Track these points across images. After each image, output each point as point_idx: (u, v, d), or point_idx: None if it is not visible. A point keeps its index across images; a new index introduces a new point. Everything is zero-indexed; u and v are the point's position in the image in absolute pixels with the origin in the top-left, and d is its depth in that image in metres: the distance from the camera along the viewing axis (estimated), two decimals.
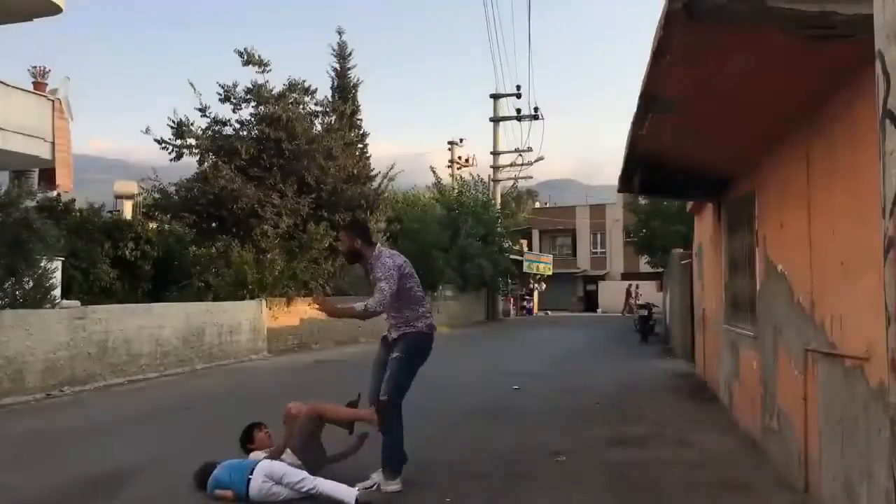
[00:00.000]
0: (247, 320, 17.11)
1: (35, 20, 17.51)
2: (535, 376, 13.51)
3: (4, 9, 16.37)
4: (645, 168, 8.30)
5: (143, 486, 6.06)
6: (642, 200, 27.03)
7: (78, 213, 16.23)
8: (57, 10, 16.74)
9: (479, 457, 7.00)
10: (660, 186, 10.02)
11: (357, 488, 5.43)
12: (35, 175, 16.57)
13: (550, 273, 49.13)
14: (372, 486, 5.63)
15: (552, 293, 51.55)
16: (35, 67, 16.38)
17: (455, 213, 33.67)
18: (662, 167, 8.17)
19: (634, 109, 5.85)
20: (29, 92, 15.83)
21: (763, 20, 3.77)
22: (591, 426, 8.62)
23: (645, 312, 22.73)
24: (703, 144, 7.34)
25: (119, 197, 21.65)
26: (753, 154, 7.29)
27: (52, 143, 15.79)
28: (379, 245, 6.17)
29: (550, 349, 20.35)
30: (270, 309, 18.23)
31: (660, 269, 30.09)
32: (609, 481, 6.19)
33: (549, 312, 48.18)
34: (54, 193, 15.53)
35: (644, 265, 37.48)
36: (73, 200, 16.70)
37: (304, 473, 5.49)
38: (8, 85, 15.05)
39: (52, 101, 15.97)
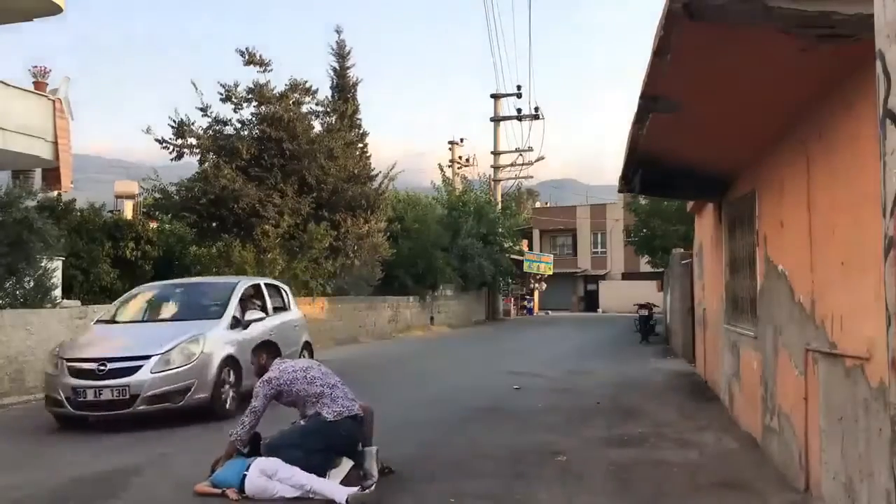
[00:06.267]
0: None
1: (35, 20, 17.52)
2: (536, 376, 13.52)
3: (4, 9, 16.35)
4: (645, 167, 8.29)
5: (145, 486, 6.07)
6: (643, 200, 27.01)
7: (79, 213, 16.23)
8: (57, 9, 16.71)
9: (481, 456, 7.00)
10: (660, 186, 10.02)
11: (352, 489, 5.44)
12: (36, 175, 16.56)
13: (551, 273, 49.11)
14: (367, 488, 5.60)
15: (553, 293, 51.57)
16: (35, 67, 16.39)
17: (456, 213, 33.66)
18: (663, 167, 8.16)
19: (635, 109, 5.85)
20: (29, 92, 15.81)
21: (763, 20, 3.76)
22: (591, 426, 8.63)
23: (645, 312, 22.73)
24: (703, 144, 7.34)
25: (120, 197, 21.67)
26: (754, 153, 7.29)
27: (53, 143, 15.78)
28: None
29: (551, 349, 20.35)
30: None
31: (660, 269, 30.09)
32: (610, 481, 6.19)
33: (550, 312, 48.22)
34: (55, 193, 15.53)
35: (644, 265, 37.48)
36: (74, 200, 16.71)
37: (298, 470, 5.52)
38: (8, 85, 15.03)
39: (53, 100, 15.96)
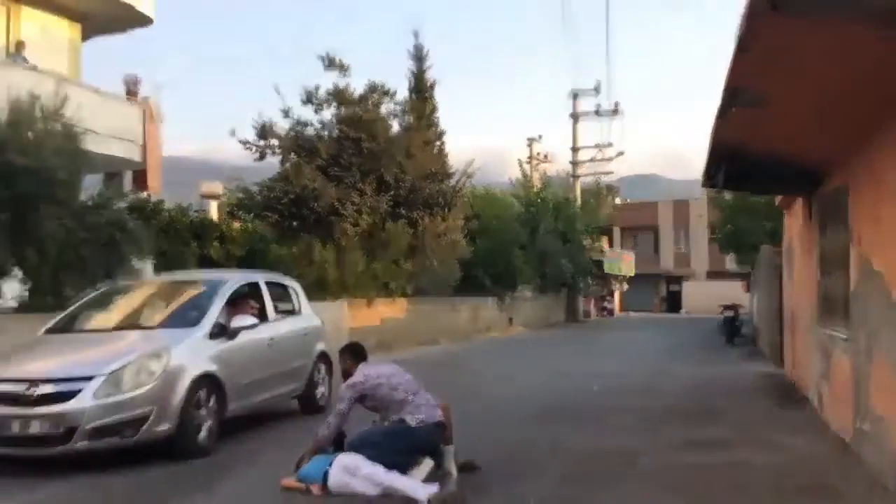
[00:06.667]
0: (329, 321, 17.35)
1: (128, 31, 18.44)
2: (616, 377, 13.31)
3: (102, 22, 17.33)
4: (730, 161, 8.03)
5: (238, 473, 6.23)
6: (728, 195, 26.20)
7: (167, 214, 16.79)
8: (148, 21, 17.63)
9: (560, 458, 6.93)
10: (746, 180, 9.67)
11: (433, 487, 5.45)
12: (127, 177, 17.23)
13: (632, 273, 48.26)
14: (448, 487, 5.60)
15: (634, 293, 50.66)
16: (128, 75, 17.12)
17: (534, 210, 33.39)
18: (748, 160, 7.90)
19: (719, 102, 5.69)
20: (122, 99, 16.56)
21: (850, 11, 3.60)
22: (671, 427, 8.43)
23: (731, 313, 22.09)
24: (791, 136, 7.08)
25: (205, 197, 22.28)
26: (846, 145, 6.96)
27: (143, 147, 16.47)
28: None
29: (631, 350, 20.02)
30: (351, 310, 18.46)
31: (747, 268, 29.20)
32: (690, 484, 6.04)
33: (631, 313, 47.39)
34: (144, 194, 16.11)
35: (730, 264, 36.43)
36: (162, 201, 17.28)
37: (380, 468, 5.56)
38: (103, 93, 15.77)
39: (143, 106, 16.67)
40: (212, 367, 7.27)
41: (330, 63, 20.66)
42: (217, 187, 22.45)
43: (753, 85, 5.10)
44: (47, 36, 16.18)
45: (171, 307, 8.33)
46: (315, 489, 5.60)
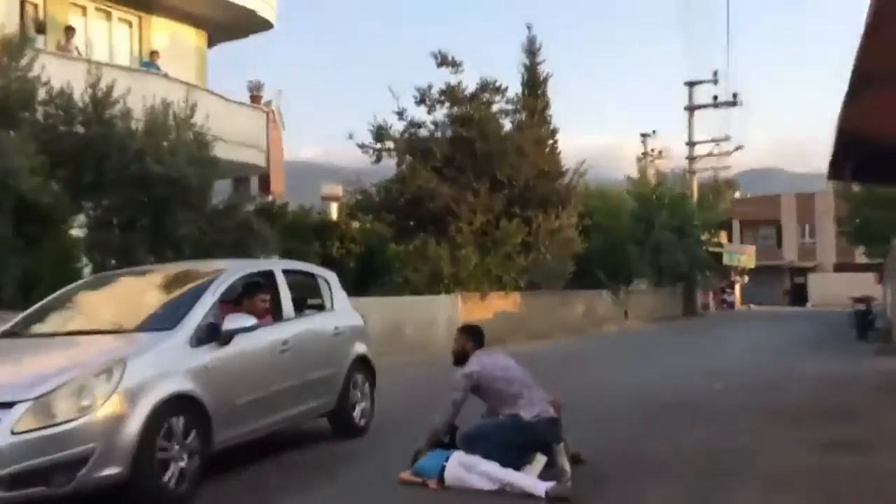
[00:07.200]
0: (443, 314, 17.70)
1: (250, 36, 19.33)
2: (737, 373, 12.91)
3: (225, 29, 18.20)
4: (858, 152, 7.70)
5: (358, 468, 6.47)
6: (856, 187, 24.90)
7: (290, 216, 17.49)
8: (269, 25, 18.43)
9: (678, 456, 6.79)
10: (876, 171, 9.24)
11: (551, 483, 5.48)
12: (253, 181, 18.08)
13: (752, 266, 46.57)
14: (564, 483, 5.60)
15: (756, 287, 48.91)
16: (251, 82, 17.97)
17: (649, 206, 32.80)
18: (879, 150, 7.54)
19: (846, 88, 5.48)
20: (246, 105, 17.38)
21: None
22: (799, 427, 8.11)
23: (862, 306, 20.99)
24: None
25: (326, 199, 23.11)
26: None
27: (266, 151, 17.23)
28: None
29: (754, 346, 19.34)
30: (465, 303, 18.70)
31: (878, 260, 27.65)
32: (818, 488, 5.78)
33: (753, 307, 45.75)
34: (269, 198, 16.86)
35: (860, 256, 34.58)
36: (287, 203, 18.04)
37: (496, 464, 5.62)
38: (229, 100, 16.60)
39: (266, 112, 17.43)
40: (187, 386, 5.37)
41: (442, 60, 21.01)
42: (337, 189, 23.22)
43: (886, 67, 4.90)
44: (176, 44, 17.09)
45: (158, 304, 6.43)
46: (432, 483, 5.71)
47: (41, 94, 10.41)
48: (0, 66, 9.97)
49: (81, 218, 10.96)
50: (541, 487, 5.40)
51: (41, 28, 14.24)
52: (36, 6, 14.67)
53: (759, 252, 49.04)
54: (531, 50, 24.66)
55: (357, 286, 18.53)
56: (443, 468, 5.72)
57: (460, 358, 6.26)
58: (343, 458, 6.83)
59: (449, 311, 17.95)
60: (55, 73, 10.86)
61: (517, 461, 5.74)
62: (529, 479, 5.55)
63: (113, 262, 10.60)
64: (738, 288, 46.91)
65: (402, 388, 10.72)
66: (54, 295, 6.87)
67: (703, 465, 6.52)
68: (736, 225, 54.55)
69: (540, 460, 5.82)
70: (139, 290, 6.91)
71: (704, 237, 37.01)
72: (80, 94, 10.88)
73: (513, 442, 5.77)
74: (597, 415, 8.55)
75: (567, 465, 5.90)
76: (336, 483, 6.08)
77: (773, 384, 11.68)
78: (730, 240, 50.06)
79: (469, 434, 5.96)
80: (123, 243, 10.87)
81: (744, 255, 45.56)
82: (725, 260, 42.53)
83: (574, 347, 19.14)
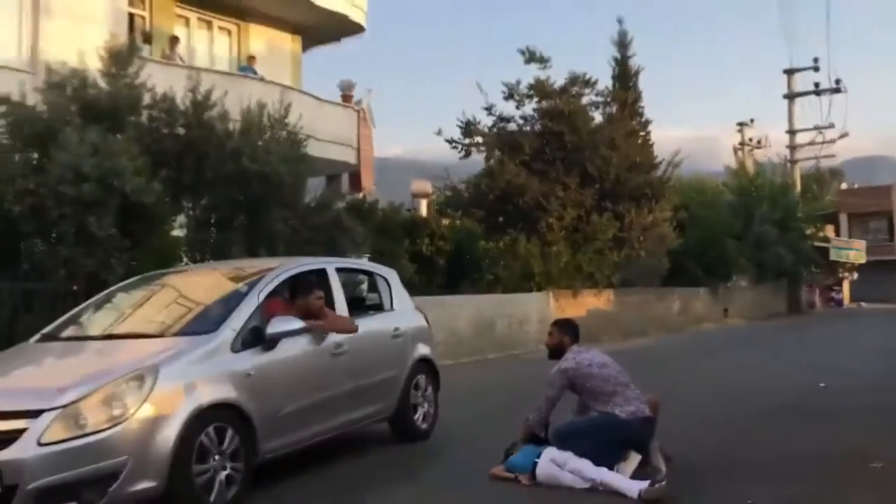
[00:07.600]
0: (535, 312, 17.58)
1: (343, 39, 19.78)
2: (847, 374, 12.27)
3: (317, 33, 18.73)
4: None
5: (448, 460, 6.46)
6: None
7: (380, 213, 17.70)
8: (360, 29, 18.82)
9: (781, 458, 6.50)
10: None
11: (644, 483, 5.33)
12: (344, 178, 18.41)
13: (863, 261, 44.36)
14: (658, 483, 5.43)
15: (866, 283, 46.58)
16: (342, 81, 18.32)
17: (748, 199, 31.66)
18: None
19: None
20: (338, 105, 17.73)
21: None
22: None
23: None
24: None
25: (416, 196, 23.27)
26: None
27: (357, 149, 17.53)
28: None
29: (864, 344, 18.38)
30: (557, 301, 18.52)
31: None
32: None
33: (864, 304, 43.57)
34: (360, 195, 17.11)
35: None
36: (377, 201, 18.25)
37: (588, 462, 5.52)
38: (321, 99, 16.98)
39: (357, 111, 17.74)
40: (227, 393, 5.07)
41: (530, 56, 20.86)
42: (426, 186, 23.36)
43: None
44: (272, 50, 17.74)
45: (199, 307, 6.08)
46: (524, 479, 5.67)
47: (146, 99, 10.83)
48: (110, 75, 10.43)
49: (181, 219, 11.34)
50: (635, 487, 5.26)
51: (148, 39, 15.06)
52: (143, 19, 15.52)
53: (869, 246, 46.65)
54: (622, 43, 24.29)
55: (448, 284, 18.59)
56: (535, 464, 5.68)
57: (556, 352, 6.17)
58: (424, 457, 6.83)
59: (541, 308, 17.83)
60: (160, 79, 11.31)
61: (610, 459, 5.63)
62: (622, 479, 5.43)
63: (210, 260, 10.94)
64: (846, 284, 44.81)
65: (493, 386, 10.67)
66: (96, 297, 6.62)
67: (808, 468, 6.22)
68: (843, 218, 52.08)
69: (634, 459, 5.70)
70: (182, 292, 6.49)
71: (809, 231, 35.51)
72: (181, 98, 11.29)
73: (606, 440, 5.67)
74: (694, 416, 8.27)
75: (662, 465, 5.76)
76: (421, 481, 6.09)
77: (885, 385, 11.06)
78: (837, 234, 47.86)
79: (562, 430, 5.90)
80: (220, 242, 11.20)
81: (853, 250, 43.44)
82: (832, 255, 40.72)
83: (671, 345, 18.69)
